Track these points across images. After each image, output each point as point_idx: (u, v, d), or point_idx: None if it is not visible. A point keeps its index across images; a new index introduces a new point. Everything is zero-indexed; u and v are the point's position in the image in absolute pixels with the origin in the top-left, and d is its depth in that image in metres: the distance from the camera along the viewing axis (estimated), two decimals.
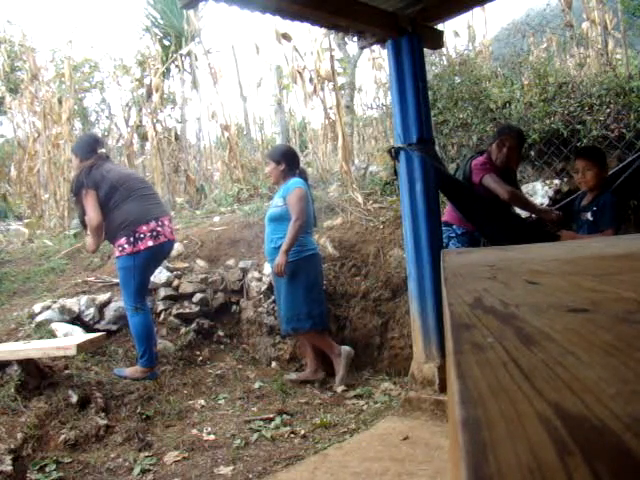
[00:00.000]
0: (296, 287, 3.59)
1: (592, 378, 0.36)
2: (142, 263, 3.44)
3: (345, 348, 3.74)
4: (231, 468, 2.55)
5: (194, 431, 3.01)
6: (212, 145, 9.49)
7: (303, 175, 3.85)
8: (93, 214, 3.37)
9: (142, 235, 3.39)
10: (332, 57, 5.67)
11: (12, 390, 2.91)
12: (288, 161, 3.74)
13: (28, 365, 3.05)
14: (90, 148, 3.60)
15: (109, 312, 3.94)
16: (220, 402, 3.46)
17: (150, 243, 3.41)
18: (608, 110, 4.14)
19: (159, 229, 3.46)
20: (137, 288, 3.46)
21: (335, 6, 2.75)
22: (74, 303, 3.89)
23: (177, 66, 8.26)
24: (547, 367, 0.39)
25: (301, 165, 4.00)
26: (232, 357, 4.12)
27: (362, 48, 6.19)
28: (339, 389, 3.61)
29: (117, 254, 3.45)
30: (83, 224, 3.59)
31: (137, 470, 2.58)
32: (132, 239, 3.37)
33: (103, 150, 3.66)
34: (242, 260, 4.57)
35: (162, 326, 4.05)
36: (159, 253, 3.56)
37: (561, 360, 0.40)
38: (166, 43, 8.87)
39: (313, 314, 3.59)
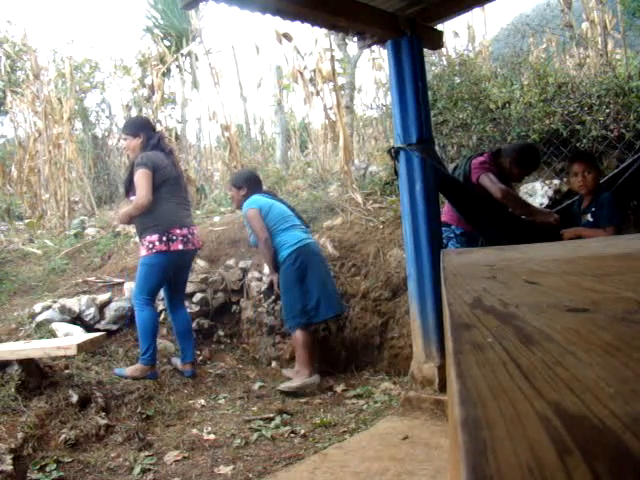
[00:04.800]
0: (281, 291, 3.77)
1: (591, 378, 0.36)
2: (168, 264, 3.50)
3: (315, 379, 3.59)
4: (231, 468, 2.55)
5: (194, 431, 3.01)
6: (212, 145, 9.47)
7: (270, 193, 4.04)
8: (147, 193, 3.40)
9: (174, 237, 3.46)
10: (332, 57, 5.66)
11: (12, 390, 2.91)
12: (250, 186, 3.88)
13: (29, 365, 3.05)
14: (150, 126, 3.72)
15: (109, 312, 3.94)
16: (220, 402, 3.46)
17: (180, 247, 3.48)
18: (607, 110, 4.13)
19: (189, 236, 3.55)
20: (153, 286, 3.51)
21: (335, 6, 2.75)
22: (74, 303, 3.89)
23: (178, 66, 8.26)
24: (547, 367, 0.39)
25: (266, 187, 4.24)
26: (232, 357, 4.12)
27: (362, 48, 6.20)
28: (281, 386, 3.56)
29: (145, 252, 3.45)
30: (126, 191, 3.62)
31: (137, 470, 2.58)
32: (165, 238, 3.42)
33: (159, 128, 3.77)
34: (242, 260, 4.57)
35: (162, 326, 4.05)
36: (183, 259, 3.64)
37: (561, 360, 0.40)
38: (167, 43, 8.87)
39: (294, 314, 3.64)
